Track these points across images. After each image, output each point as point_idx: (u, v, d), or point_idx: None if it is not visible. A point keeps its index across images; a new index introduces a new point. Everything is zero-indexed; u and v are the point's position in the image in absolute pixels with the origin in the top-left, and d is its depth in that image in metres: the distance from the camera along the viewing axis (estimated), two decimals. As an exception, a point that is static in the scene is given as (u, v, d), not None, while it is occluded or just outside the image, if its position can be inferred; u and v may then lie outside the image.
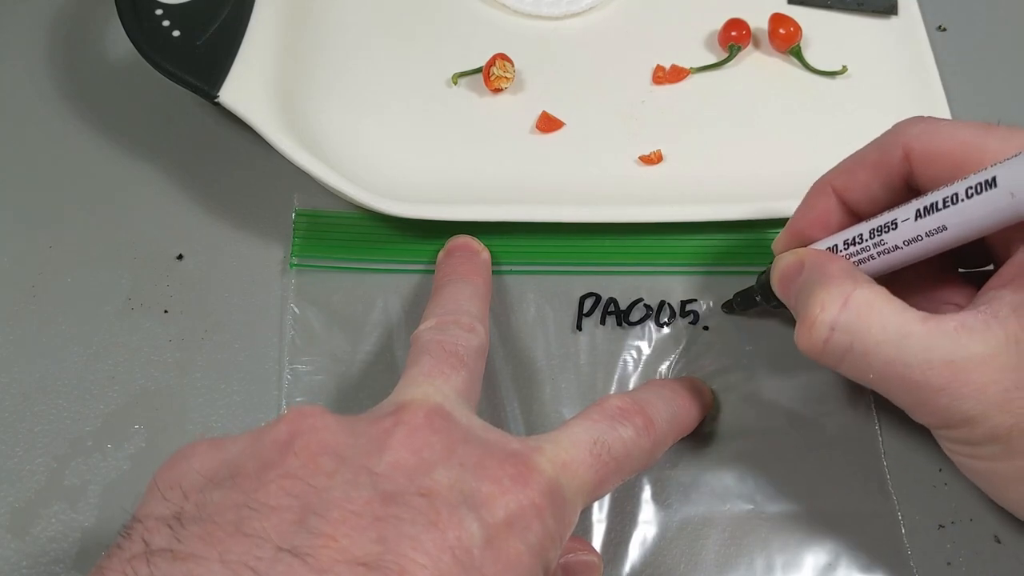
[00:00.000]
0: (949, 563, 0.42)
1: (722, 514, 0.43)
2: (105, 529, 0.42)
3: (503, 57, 0.54)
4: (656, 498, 0.43)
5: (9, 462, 0.44)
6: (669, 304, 0.48)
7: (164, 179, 0.52)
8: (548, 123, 0.53)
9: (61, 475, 0.44)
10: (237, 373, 0.46)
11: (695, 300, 0.48)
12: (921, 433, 0.45)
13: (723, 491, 0.43)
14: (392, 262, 0.49)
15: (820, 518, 0.43)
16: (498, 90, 0.55)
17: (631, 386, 0.46)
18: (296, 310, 0.48)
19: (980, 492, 0.43)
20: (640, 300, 0.48)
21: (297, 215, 0.50)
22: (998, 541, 0.43)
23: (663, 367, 0.47)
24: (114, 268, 0.50)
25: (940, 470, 0.44)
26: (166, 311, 0.48)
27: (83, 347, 0.47)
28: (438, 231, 0.49)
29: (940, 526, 0.43)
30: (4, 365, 0.47)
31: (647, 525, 0.43)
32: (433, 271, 0.48)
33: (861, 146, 0.54)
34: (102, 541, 0.42)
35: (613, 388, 0.46)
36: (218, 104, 0.48)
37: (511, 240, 0.49)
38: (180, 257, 0.50)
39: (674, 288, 0.49)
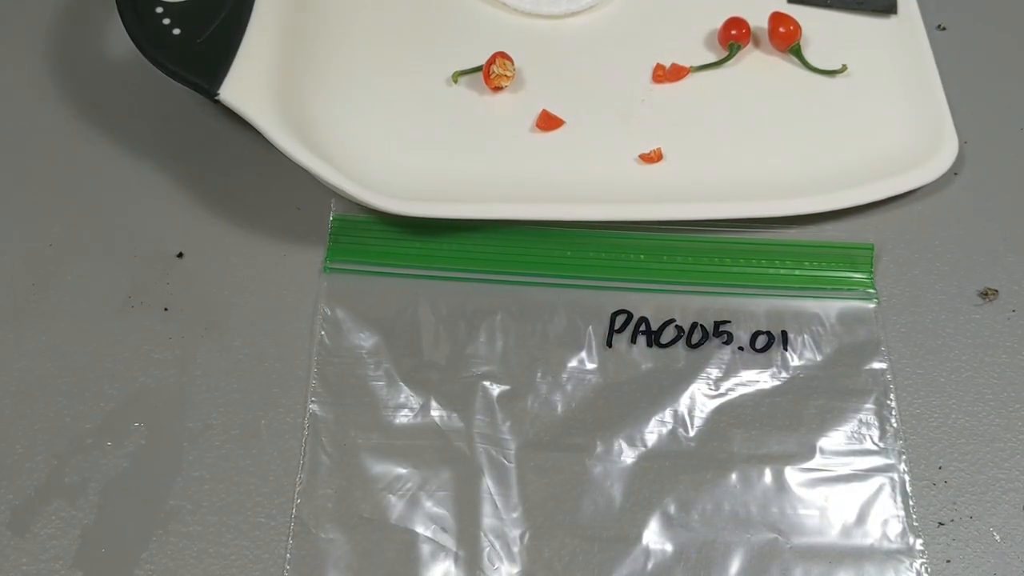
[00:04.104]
0: (949, 561, 0.42)
1: (744, 541, 0.43)
2: (105, 527, 0.42)
3: (503, 56, 0.54)
4: (679, 519, 0.43)
5: (9, 460, 0.44)
6: (702, 325, 0.48)
7: (164, 178, 0.53)
8: (548, 121, 0.53)
9: (61, 473, 0.44)
10: (237, 371, 0.47)
11: (728, 321, 0.48)
12: (922, 434, 0.45)
13: (747, 518, 0.43)
14: (423, 268, 0.49)
15: (843, 552, 0.42)
16: (498, 88, 0.55)
17: (663, 405, 0.46)
18: (327, 311, 0.48)
19: (979, 490, 0.43)
20: (672, 321, 0.48)
21: (334, 220, 0.50)
22: (998, 539, 0.43)
23: (694, 388, 0.46)
24: (114, 267, 0.50)
25: (940, 468, 0.44)
26: (166, 309, 0.48)
27: (83, 346, 0.47)
28: (461, 234, 0.50)
29: (940, 524, 0.43)
30: (4, 364, 0.47)
31: (667, 545, 0.43)
32: (462, 277, 0.48)
33: (861, 145, 0.55)
34: (102, 538, 0.42)
35: (646, 406, 0.46)
36: (218, 102, 0.48)
37: (541, 248, 0.50)
38: (180, 255, 0.50)
39: (707, 308, 0.49)
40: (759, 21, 0.57)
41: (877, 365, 0.47)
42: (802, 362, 0.47)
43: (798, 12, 0.57)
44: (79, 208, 0.52)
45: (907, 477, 0.44)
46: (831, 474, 0.44)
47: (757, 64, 0.57)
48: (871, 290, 0.49)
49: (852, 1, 0.59)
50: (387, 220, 0.50)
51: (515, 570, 0.42)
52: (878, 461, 0.44)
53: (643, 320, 0.48)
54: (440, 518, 0.43)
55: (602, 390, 0.46)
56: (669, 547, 0.42)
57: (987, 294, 0.49)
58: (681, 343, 0.48)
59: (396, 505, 0.43)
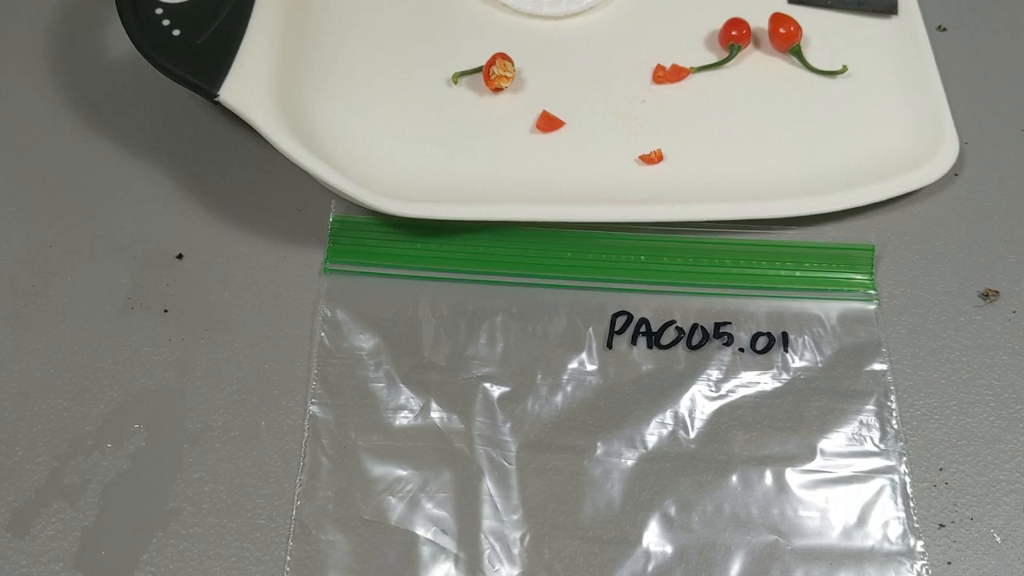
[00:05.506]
0: (949, 563, 0.42)
1: (745, 543, 0.43)
2: (105, 528, 0.42)
3: (503, 56, 0.54)
4: (680, 521, 0.43)
5: (9, 461, 0.44)
6: (702, 326, 0.48)
7: (164, 179, 0.53)
8: (548, 122, 0.53)
9: (61, 474, 0.44)
10: (237, 372, 0.46)
11: (728, 323, 0.48)
12: (922, 436, 0.45)
13: (747, 520, 0.43)
14: (423, 268, 0.49)
15: (843, 554, 0.42)
16: (498, 89, 0.55)
17: (663, 407, 0.46)
18: (327, 312, 0.48)
19: (980, 492, 0.43)
20: (673, 322, 0.48)
21: (334, 221, 0.50)
22: (999, 541, 0.43)
23: (695, 389, 0.46)
24: (114, 267, 0.50)
25: (940, 470, 0.44)
26: (166, 310, 0.48)
27: (83, 347, 0.47)
28: (461, 235, 0.50)
29: (940, 525, 0.43)
30: (4, 365, 0.47)
31: (668, 546, 0.42)
32: (462, 278, 0.48)
33: (861, 146, 0.55)
34: (102, 540, 0.42)
35: (646, 408, 0.46)
36: (218, 103, 0.48)
37: (541, 249, 0.50)
38: (180, 256, 0.50)
39: (708, 309, 0.48)
40: (759, 22, 0.57)
41: (878, 366, 0.47)
42: (803, 363, 0.47)
43: (798, 13, 0.57)
44: (79, 208, 0.52)
45: (908, 479, 0.44)
46: (832, 476, 0.44)
47: (758, 65, 0.57)
48: (872, 291, 0.49)
49: (852, 1, 0.59)
50: (387, 221, 0.50)
51: (515, 572, 0.42)
52: (879, 463, 0.44)
53: (643, 321, 0.48)
54: (440, 520, 0.43)
55: (602, 391, 0.46)
56: (670, 549, 0.42)
57: (988, 295, 0.49)
58: (681, 344, 0.48)
59: (396, 507, 0.43)
